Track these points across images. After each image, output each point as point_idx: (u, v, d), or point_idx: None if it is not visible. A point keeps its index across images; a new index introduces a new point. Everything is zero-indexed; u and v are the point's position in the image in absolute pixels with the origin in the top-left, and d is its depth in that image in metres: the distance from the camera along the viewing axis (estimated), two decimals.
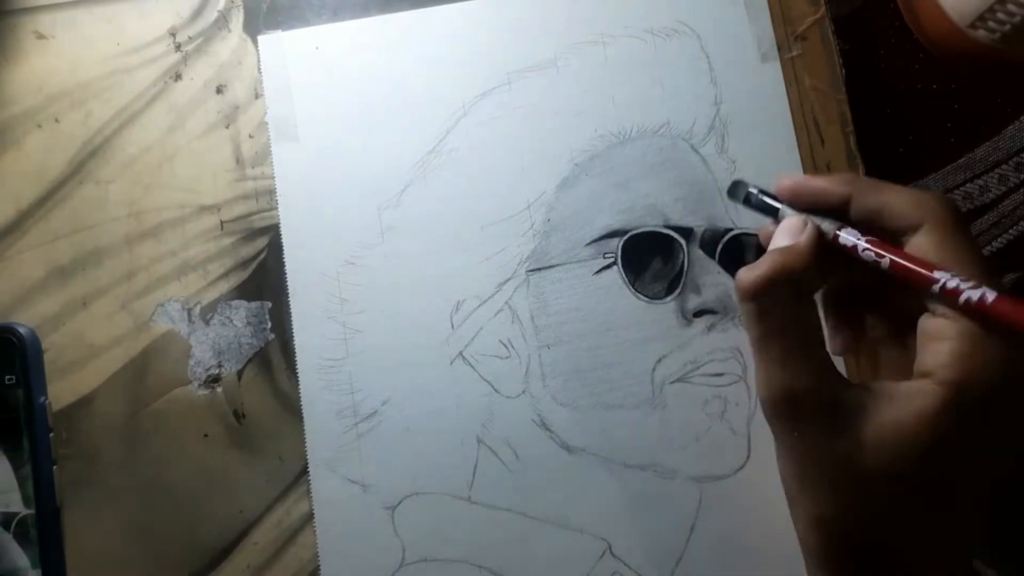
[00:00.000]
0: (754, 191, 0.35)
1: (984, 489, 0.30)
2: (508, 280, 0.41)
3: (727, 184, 0.39)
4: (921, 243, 0.30)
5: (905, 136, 0.45)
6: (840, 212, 0.32)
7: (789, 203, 0.33)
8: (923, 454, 0.28)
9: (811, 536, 0.30)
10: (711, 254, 0.41)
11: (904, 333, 0.33)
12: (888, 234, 0.31)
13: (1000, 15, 0.40)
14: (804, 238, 0.32)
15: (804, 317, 0.31)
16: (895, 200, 0.31)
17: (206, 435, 0.41)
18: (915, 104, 0.45)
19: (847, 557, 0.30)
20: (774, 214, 0.34)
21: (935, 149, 0.45)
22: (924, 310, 0.30)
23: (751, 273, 0.31)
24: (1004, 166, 0.45)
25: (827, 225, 0.32)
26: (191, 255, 0.42)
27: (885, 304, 0.34)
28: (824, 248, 0.32)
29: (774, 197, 0.34)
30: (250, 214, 0.43)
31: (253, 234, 0.43)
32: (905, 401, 0.29)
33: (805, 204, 0.33)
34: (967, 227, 0.30)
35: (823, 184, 0.33)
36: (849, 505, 0.29)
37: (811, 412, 0.30)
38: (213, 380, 0.41)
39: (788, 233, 0.32)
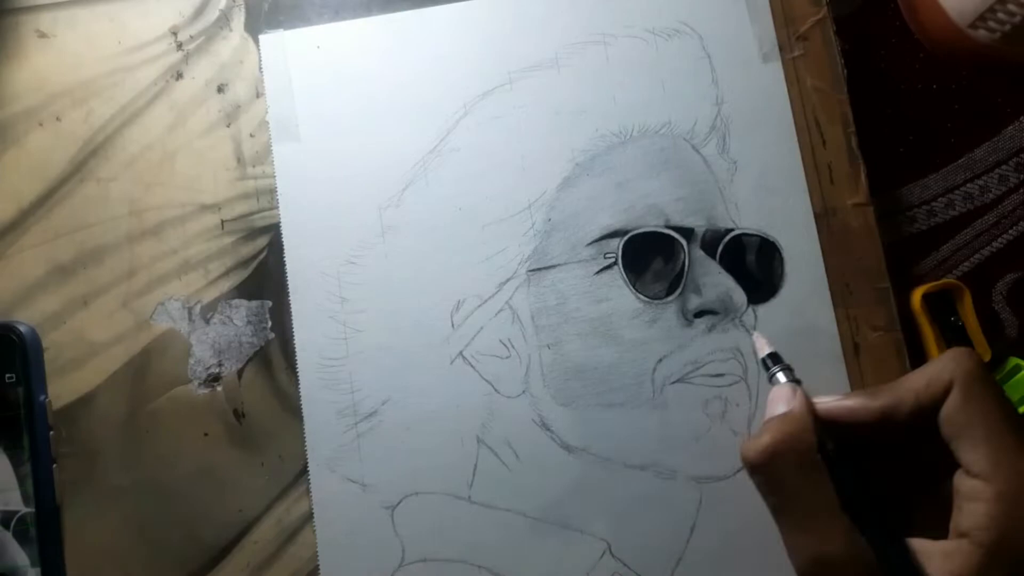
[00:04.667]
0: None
1: None
2: (509, 280, 0.41)
3: (730, 183, 0.40)
4: (951, 403, 0.30)
5: (905, 136, 0.45)
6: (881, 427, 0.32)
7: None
8: None
9: None
10: (712, 254, 0.41)
11: (932, 488, 0.32)
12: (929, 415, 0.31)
13: (1000, 15, 0.40)
14: (797, 403, 0.32)
15: (815, 482, 0.31)
16: (917, 375, 0.31)
17: (206, 434, 0.41)
18: (915, 104, 0.45)
19: None
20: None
21: (935, 149, 0.45)
22: (957, 466, 0.30)
23: (754, 444, 0.31)
24: (1004, 166, 0.45)
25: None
26: (192, 254, 0.42)
27: (904, 458, 0.33)
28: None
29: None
30: (251, 213, 0.43)
31: (254, 233, 0.43)
32: (941, 561, 0.29)
33: (841, 422, 0.33)
34: (993, 386, 0.30)
35: (851, 405, 0.32)
36: None
37: None
38: (213, 379, 0.41)
39: (781, 400, 0.33)
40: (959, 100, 0.45)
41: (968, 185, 0.45)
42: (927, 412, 0.31)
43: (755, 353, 0.38)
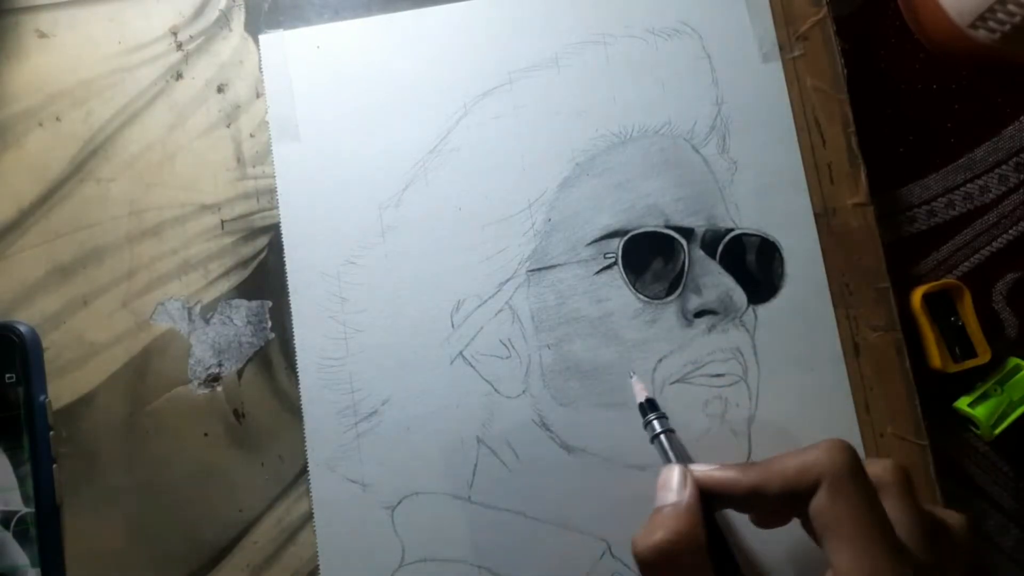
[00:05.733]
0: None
1: None
2: (509, 280, 0.41)
3: (730, 183, 0.40)
4: (819, 500, 0.30)
5: (905, 136, 0.45)
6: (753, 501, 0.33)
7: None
8: None
9: None
10: (712, 254, 0.41)
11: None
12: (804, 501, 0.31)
13: (1000, 15, 0.40)
14: (687, 495, 0.32)
15: (702, 573, 0.31)
16: (791, 466, 0.31)
17: (206, 434, 0.41)
18: (915, 104, 0.45)
19: None
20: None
21: (935, 149, 0.45)
22: None
23: (647, 540, 0.31)
24: (1004, 166, 0.45)
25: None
26: (192, 254, 0.42)
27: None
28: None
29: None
30: (251, 213, 0.43)
31: (254, 233, 0.43)
32: None
33: (713, 493, 0.34)
34: (865, 484, 0.30)
35: (727, 477, 0.33)
36: None
37: None
38: (213, 379, 0.41)
39: (671, 490, 0.33)
40: (959, 100, 0.45)
41: (968, 185, 0.45)
42: (798, 499, 0.31)
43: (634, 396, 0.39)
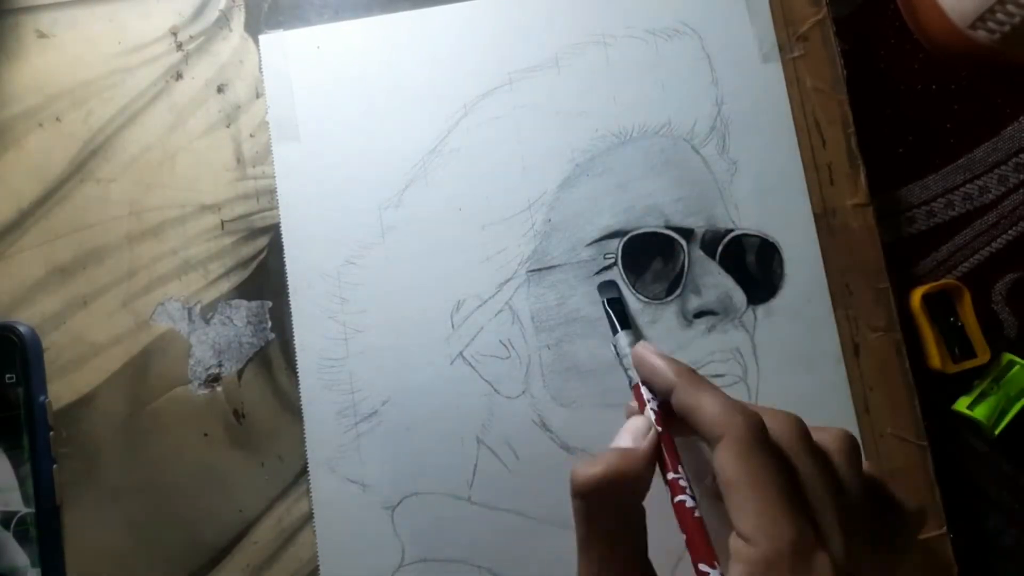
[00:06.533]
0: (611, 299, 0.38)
1: None
2: (509, 280, 0.41)
3: (730, 183, 0.40)
4: (720, 456, 0.29)
5: (905, 136, 0.45)
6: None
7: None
8: None
9: None
10: (712, 255, 0.41)
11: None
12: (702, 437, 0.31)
13: (1000, 15, 0.40)
14: (645, 444, 0.32)
15: (630, 525, 0.31)
16: (706, 407, 0.31)
17: (206, 434, 0.41)
18: (915, 104, 0.45)
19: None
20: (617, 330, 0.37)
21: (935, 149, 0.45)
22: None
23: (586, 470, 0.31)
24: (1004, 166, 0.45)
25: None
26: (192, 254, 0.42)
27: None
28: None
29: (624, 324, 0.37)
30: (251, 213, 0.43)
31: (254, 233, 0.43)
32: None
33: (642, 376, 0.34)
34: (765, 447, 0.29)
35: (656, 366, 0.33)
36: None
37: None
38: (213, 379, 0.41)
39: (631, 435, 0.33)
40: (959, 100, 0.45)
41: (968, 185, 0.45)
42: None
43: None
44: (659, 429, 0.33)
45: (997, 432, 0.41)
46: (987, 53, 0.42)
